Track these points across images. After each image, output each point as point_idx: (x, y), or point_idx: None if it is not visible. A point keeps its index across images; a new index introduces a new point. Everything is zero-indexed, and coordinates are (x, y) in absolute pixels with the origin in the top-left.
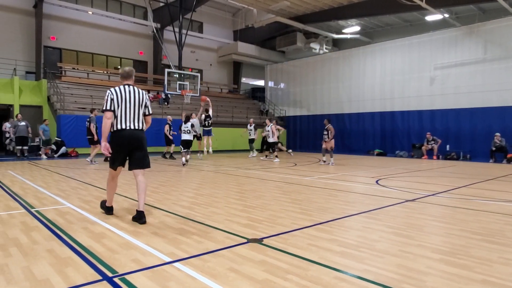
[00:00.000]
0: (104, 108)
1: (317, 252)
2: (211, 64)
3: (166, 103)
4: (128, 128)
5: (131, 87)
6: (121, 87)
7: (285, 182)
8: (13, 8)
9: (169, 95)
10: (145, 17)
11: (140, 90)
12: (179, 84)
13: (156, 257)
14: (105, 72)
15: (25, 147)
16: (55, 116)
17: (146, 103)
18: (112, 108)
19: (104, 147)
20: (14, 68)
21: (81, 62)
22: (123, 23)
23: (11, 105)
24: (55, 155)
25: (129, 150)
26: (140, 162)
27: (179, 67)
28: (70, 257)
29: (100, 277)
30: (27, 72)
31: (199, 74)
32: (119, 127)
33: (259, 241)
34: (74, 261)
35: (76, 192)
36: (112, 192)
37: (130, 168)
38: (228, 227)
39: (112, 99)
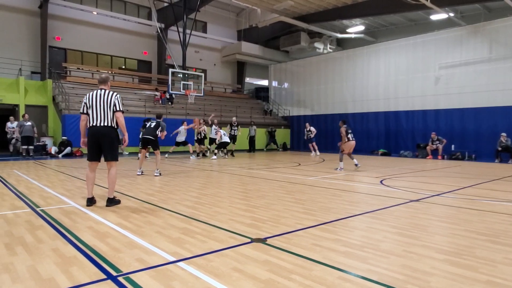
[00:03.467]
0: (79, 111)
1: (321, 252)
2: (215, 64)
3: (170, 103)
4: (95, 125)
5: (102, 90)
6: (94, 91)
7: (289, 182)
8: (18, 9)
9: (173, 95)
10: (149, 17)
11: (110, 93)
12: (183, 84)
13: (160, 257)
14: (109, 72)
15: (31, 147)
16: (60, 116)
17: (114, 102)
18: (85, 111)
19: (82, 142)
20: (20, 68)
21: (85, 62)
22: (127, 23)
23: (17, 105)
24: (60, 155)
25: (98, 144)
26: (106, 154)
27: (183, 67)
28: (75, 256)
29: (104, 276)
30: (32, 72)
31: (203, 74)
32: (89, 124)
33: (263, 241)
34: (78, 260)
35: (81, 192)
36: (89, 183)
37: (104, 159)
38: (232, 227)
39: (85, 103)
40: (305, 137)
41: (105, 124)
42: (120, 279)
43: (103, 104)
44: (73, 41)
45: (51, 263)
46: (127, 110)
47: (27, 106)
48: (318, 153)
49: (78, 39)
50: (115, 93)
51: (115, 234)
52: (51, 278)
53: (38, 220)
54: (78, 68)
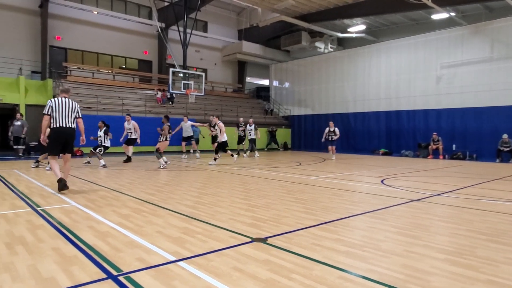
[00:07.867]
0: (44, 112)
1: (322, 252)
2: (215, 64)
3: (170, 103)
4: (64, 126)
5: (66, 99)
6: (59, 98)
7: (290, 182)
8: (19, 8)
9: (173, 95)
10: (150, 17)
11: (73, 102)
12: (184, 83)
13: (160, 256)
14: (110, 71)
15: (21, 147)
16: None
17: (77, 109)
18: (49, 113)
19: (43, 140)
20: (20, 68)
21: (86, 61)
22: (128, 22)
23: (17, 105)
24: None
25: (64, 142)
26: (69, 150)
27: (184, 66)
28: (75, 255)
29: (105, 276)
30: (32, 72)
31: (203, 74)
32: (57, 125)
33: (264, 240)
34: (79, 259)
35: (82, 191)
36: (57, 168)
37: (63, 152)
38: (232, 226)
39: (50, 106)
40: (324, 139)
41: (70, 126)
42: (121, 278)
43: (70, 109)
44: (73, 41)
45: (51, 262)
46: (127, 110)
47: (27, 105)
48: (334, 156)
49: (78, 39)
50: (76, 102)
51: (115, 234)
52: (52, 277)
53: (39, 219)
54: (79, 68)
